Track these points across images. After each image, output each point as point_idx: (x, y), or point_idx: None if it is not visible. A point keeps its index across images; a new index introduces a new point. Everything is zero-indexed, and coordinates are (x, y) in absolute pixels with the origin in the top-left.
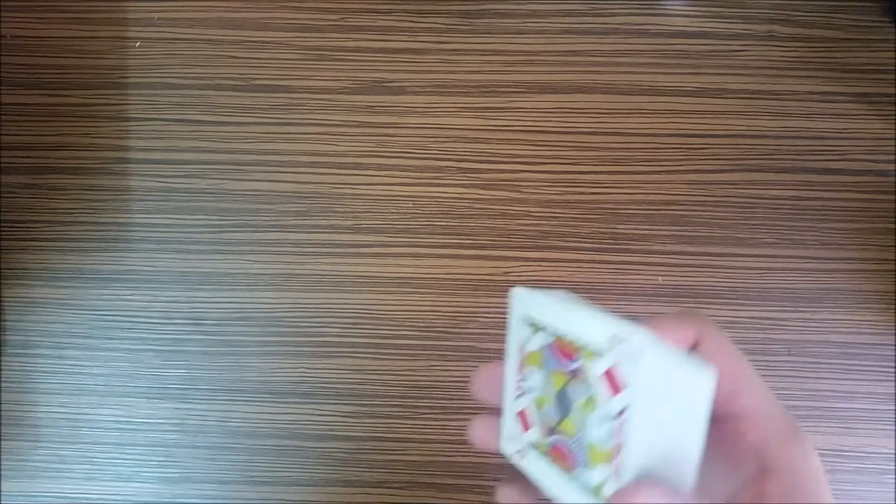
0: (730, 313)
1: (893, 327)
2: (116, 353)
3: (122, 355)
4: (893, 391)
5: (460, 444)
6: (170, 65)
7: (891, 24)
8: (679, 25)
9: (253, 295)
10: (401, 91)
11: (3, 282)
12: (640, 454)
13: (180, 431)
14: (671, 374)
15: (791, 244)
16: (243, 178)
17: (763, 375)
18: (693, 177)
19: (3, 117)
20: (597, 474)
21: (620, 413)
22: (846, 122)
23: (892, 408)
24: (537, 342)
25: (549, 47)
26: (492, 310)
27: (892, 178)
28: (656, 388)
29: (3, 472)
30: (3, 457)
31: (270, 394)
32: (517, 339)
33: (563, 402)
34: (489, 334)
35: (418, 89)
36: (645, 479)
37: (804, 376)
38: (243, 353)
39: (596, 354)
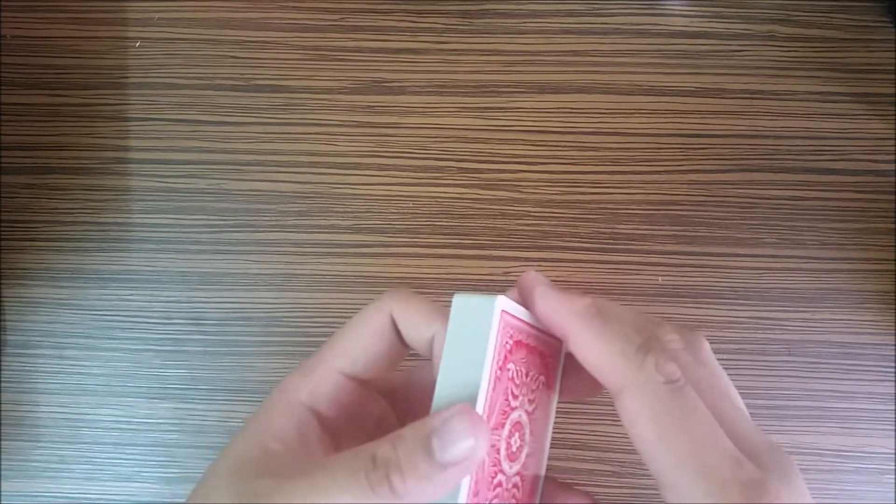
0: (730, 313)
1: (894, 327)
2: (116, 353)
3: (122, 355)
4: (893, 391)
5: None
6: (170, 65)
7: (891, 25)
8: (679, 25)
9: (253, 295)
10: (401, 91)
11: (3, 282)
12: (437, 395)
13: (180, 431)
14: (469, 310)
15: (791, 244)
16: (243, 178)
17: (763, 375)
18: (693, 177)
19: (3, 117)
20: None
21: None
22: (846, 122)
23: (892, 408)
24: None
25: (550, 47)
26: None
27: (892, 178)
28: (456, 327)
29: (3, 472)
30: (3, 457)
31: None
32: None
33: None
34: None
35: (418, 89)
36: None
37: (804, 376)
38: (243, 353)
39: None
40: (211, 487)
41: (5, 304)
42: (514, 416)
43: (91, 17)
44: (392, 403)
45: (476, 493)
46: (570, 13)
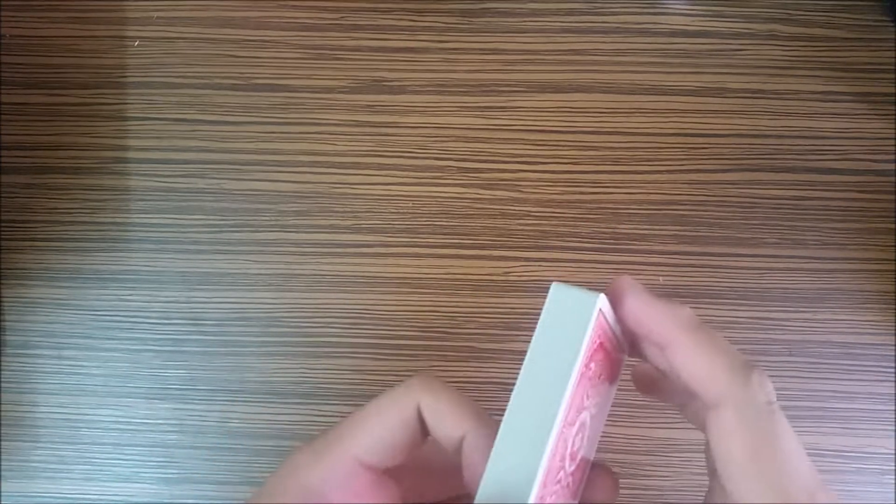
0: (730, 313)
1: (894, 327)
2: (116, 354)
3: (122, 355)
4: (894, 391)
5: None
6: (169, 64)
7: (892, 24)
8: (680, 24)
9: (253, 295)
10: (401, 90)
11: (3, 282)
12: (522, 383)
13: (180, 432)
14: (567, 303)
15: (791, 244)
16: (243, 177)
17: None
18: (694, 176)
19: (3, 117)
20: None
21: None
22: (847, 122)
23: (893, 408)
24: None
25: (550, 46)
26: (492, 310)
27: (893, 178)
28: (550, 318)
29: (2, 472)
30: (2, 457)
31: (270, 394)
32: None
33: None
34: (489, 334)
35: (418, 89)
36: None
37: (805, 377)
38: (243, 353)
39: None
40: None
41: (5, 304)
42: (583, 416)
43: (90, 17)
44: (402, 484)
45: (544, 486)
46: (571, 12)
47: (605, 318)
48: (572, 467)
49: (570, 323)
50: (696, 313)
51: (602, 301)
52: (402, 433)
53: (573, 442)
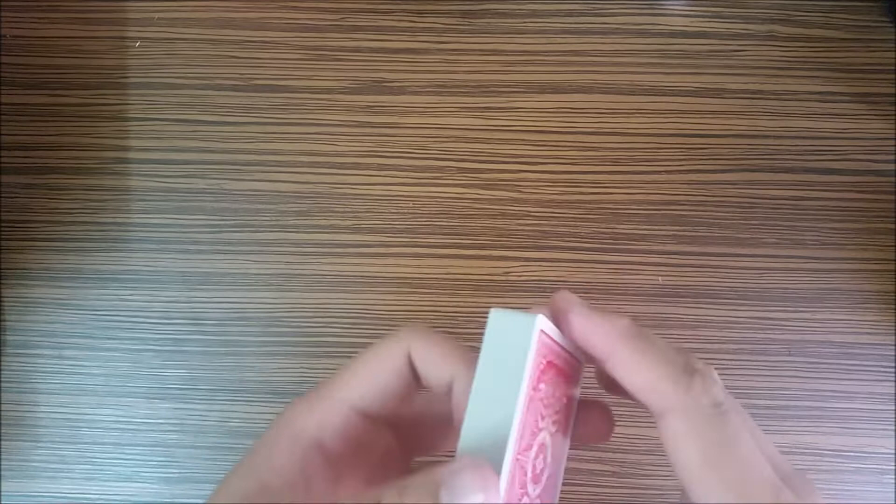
0: (729, 313)
1: (894, 327)
2: (116, 353)
3: (122, 355)
4: (893, 391)
5: None
6: (170, 65)
7: (891, 24)
8: (679, 25)
9: (253, 295)
10: (401, 91)
11: (3, 282)
12: (468, 427)
13: (180, 431)
14: (507, 326)
15: (791, 244)
16: (243, 178)
17: (763, 375)
18: (693, 177)
19: (3, 117)
20: None
21: None
22: (846, 122)
23: (892, 408)
24: None
25: (550, 47)
26: None
27: (892, 178)
28: (492, 342)
29: (3, 472)
30: (3, 457)
31: (270, 394)
32: None
33: None
34: None
35: (418, 89)
36: (465, 457)
37: (804, 376)
38: (243, 353)
39: None
40: None
41: (5, 304)
42: (541, 437)
43: (91, 17)
44: (397, 435)
45: None
46: (570, 13)
47: (549, 336)
48: (537, 490)
49: (512, 349)
50: (696, 313)
51: (541, 322)
52: (395, 381)
53: (533, 465)
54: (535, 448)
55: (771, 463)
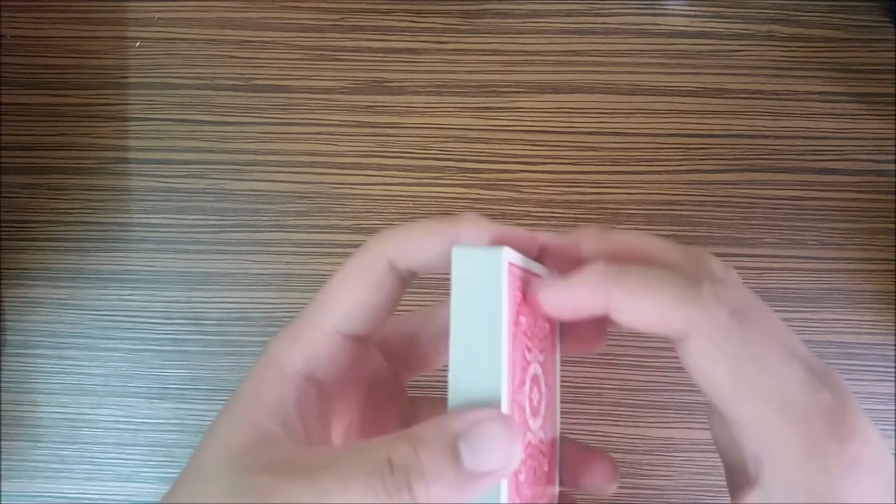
0: None
1: (893, 327)
2: (116, 353)
3: (123, 355)
4: (893, 391)
5: None
6: (170, 65)
7: (891, 24)
8: (679, 25)
9: (253, 295)
10: (401, 91)
11: (3, 282)
12: (455, 379)
13: (180, 431)
14: (473, 265)
15: (791, 244)
16: (243, 178)
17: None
18: (693, 177)
19: (3, 117)
20: None
21: None
22: (846, 122)
23: (893, 408)
24: None
25: (550, 47)
26: None
27: (892, 178)
28: (461, 285)
29: (3, 472)
30: (3, 457)
31: None
32: None
33: None
34: None
35: (418, 89)
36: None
37: None
38: (243, 353)
39: None
40: (201, 482)
41: (5, 304)
42: (531, 370)
43: (91, 17)
44: (386, 355)
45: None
46: (570, 13)
47: (517, 266)
48: (538, 422)
49: (484, 289)
50: None
51: (508, 253)
52: (377, 293)
53: (530, 400)
54: (527, 383)
55: (801, 362)
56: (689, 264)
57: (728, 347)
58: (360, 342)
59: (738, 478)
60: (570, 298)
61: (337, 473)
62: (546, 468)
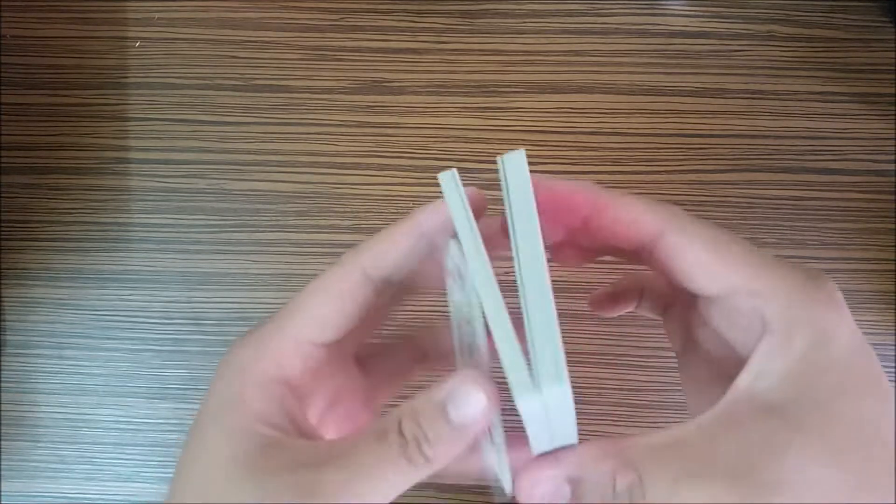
0: None
1: (893, 327)
2: (116, 353)
3: (123, 355)
4: (893, 391)
5: None
6: (170, 65)
7: (891, 24)
8: (679, 25)
9: (253, 295)
10: (401, 91)
11: (3, 282)
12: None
13: (180, 431)
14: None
15: (791, 244)
16: (243, 178)
17: None
18: (693, 177)
19: (3, 117)
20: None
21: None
22: (846, 122)
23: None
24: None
25: (550, 47)
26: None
27: (892, 178)
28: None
29: (3, 472)
30: (3, 457)
31: None
32: None
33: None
34: None
35: (418, 89)
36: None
37: None
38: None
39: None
40: (220, 487)
41: (5, 304)
42: None
43: (91, 17)
44: (361, 369)
45: None
46: (570, 13)
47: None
48: None
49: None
50: None
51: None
52: (349, 304)
53: None
54: None
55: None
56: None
57: (701, 233)
58: (333, 351)
59: (719, 376)
60: (564, 191)
61: (366, 460)
62: None
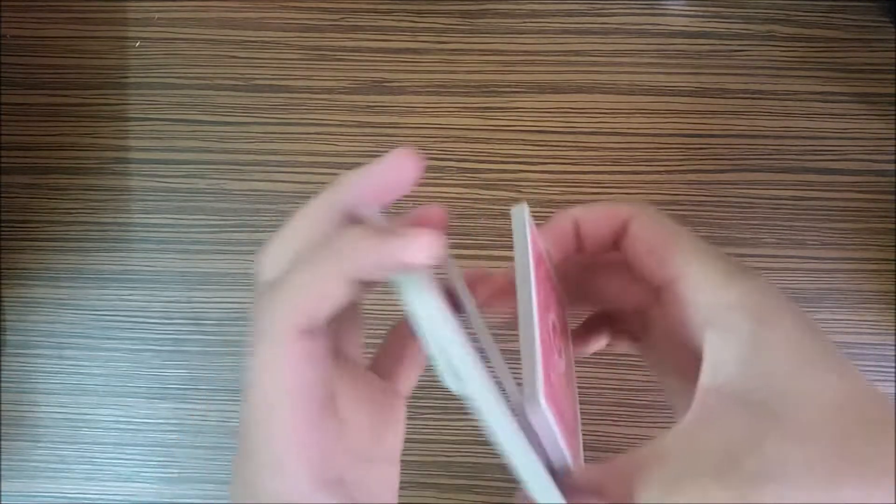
0: None
1: (894, 327)
2: (116, 353)
3: (122, 355)
4: (894, 391)
5: (460, 443)
6: (170, 65)
7: (891, 24)
8: (679, 25)
9: (253, 295)
10: (401, 91)
11: (3, 282)
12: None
13: (180, 431)
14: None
15: (791, 244)
16: (243, 178)
17: None
18: (693, 177)
19: (3, 117)
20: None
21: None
22: (846, 122)
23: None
24: None
25: (550, 47)
26: (492, 310)
27: (892, 178)
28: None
29: (3, 472)
30: (3, 457)
31: None
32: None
33: None
34: (490, 334)
35: (418, 89)
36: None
37: None
38: (243, 352)
39: None
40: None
41: (5, 304)
42: (550, 317)
43: (91, 17)
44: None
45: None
46: (570, 13)
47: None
48: (562, 365)
49: (518, 236)
50: None
51: (527, 210)
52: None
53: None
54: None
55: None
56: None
57: (661, 224)
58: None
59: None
60: (562, 223)
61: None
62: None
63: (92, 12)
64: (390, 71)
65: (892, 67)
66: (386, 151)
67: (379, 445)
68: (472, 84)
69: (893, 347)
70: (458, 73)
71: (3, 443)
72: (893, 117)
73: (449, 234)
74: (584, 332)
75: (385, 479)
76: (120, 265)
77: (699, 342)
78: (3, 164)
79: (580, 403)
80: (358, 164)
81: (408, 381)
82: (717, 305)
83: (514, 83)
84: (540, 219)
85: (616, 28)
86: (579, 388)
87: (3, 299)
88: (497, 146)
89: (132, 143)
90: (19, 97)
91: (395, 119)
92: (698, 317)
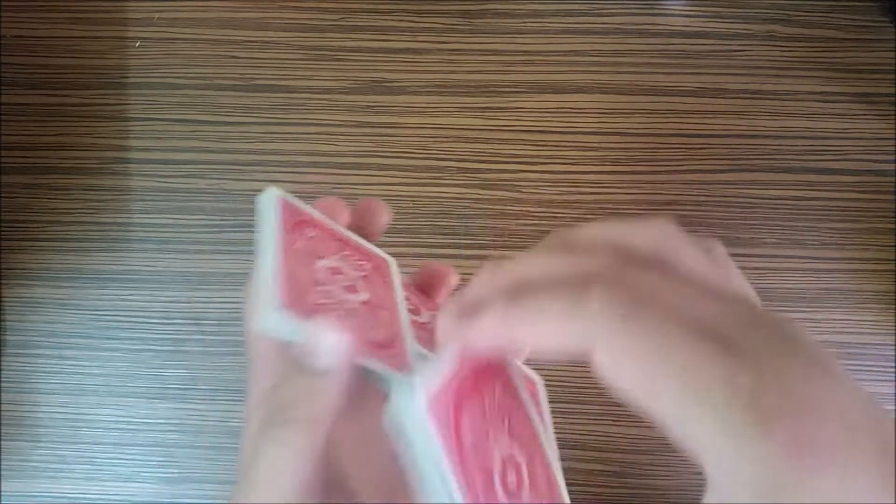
0: None
1: (893, 327)
2: (116, 353)
3: (122, 355)
4: (893, 391)
5: None
6: (170, 65)
7: (891, 24)
8: (679, 25)
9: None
10: (401, 91)
11: (3, 282)
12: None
13: (180, 431)
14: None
15: (791, 244)
16: (243, 178)
17: None
18: (693, 177)
19: (3, 117)
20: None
21: None
22: (846, 122)
23: (893, 408)
24: None
25: (550, 47)
26: None
27: (892, 178)
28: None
29: (3, 472)
30: (3, 457)
31: None
32: None
33: None
34: None
35: (418, 89)
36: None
37: None
38: (243, 352)
39: None
40: None
41: (5, 304)
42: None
43: (91, 17)
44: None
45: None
46: (571, 13)
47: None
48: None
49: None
50: None
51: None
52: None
53: (505, 485)
54: (496, 476)
55: (711, 336)
56: (575, 271)
57: (627, 352)
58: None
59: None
60: (479, 338)
61: None
62: None
63: (92, 12)
64: (390, 71)
65: (892, 67)
66: (386, 151)
67: None
68: (472, 84)
69: (893, 347)
70: (458, 73)
71: (3, 443)
72: (893, 117)
73: (449, 235)
74: None
75: None
76: (120, 265)
77: (695, 454)
78: (3, 164)
79: (580, 404)
80: (358, 164)
81: None
82: (722, 475)
83: (514, 83)
84: (541, 219)
85: (616, 28)
86: (580, 387)
87: (3, 299)
88: (497, 146)
89: (132, 143)
90: (19, 97)
91: (395, 119)
92: (695, 454)
